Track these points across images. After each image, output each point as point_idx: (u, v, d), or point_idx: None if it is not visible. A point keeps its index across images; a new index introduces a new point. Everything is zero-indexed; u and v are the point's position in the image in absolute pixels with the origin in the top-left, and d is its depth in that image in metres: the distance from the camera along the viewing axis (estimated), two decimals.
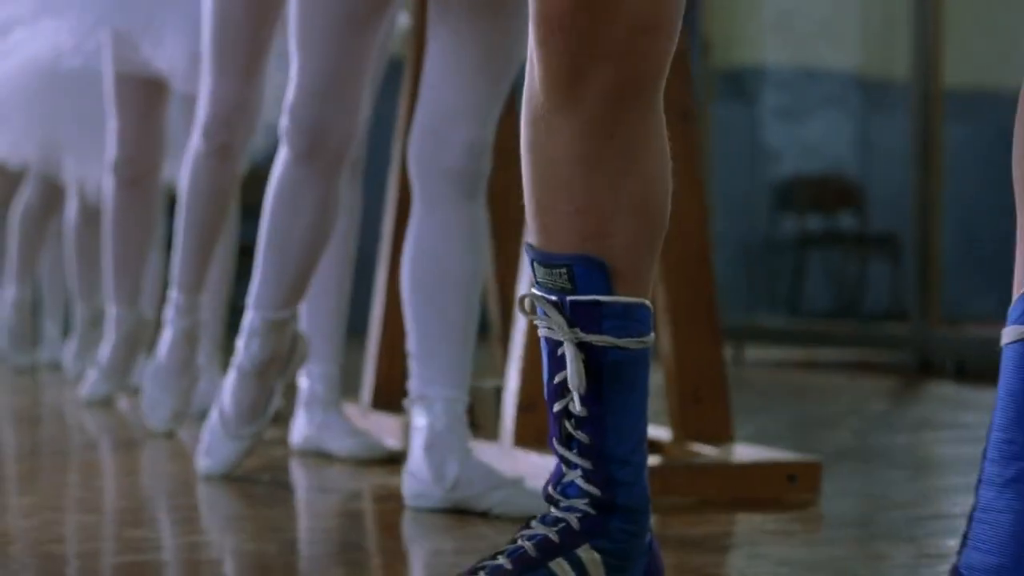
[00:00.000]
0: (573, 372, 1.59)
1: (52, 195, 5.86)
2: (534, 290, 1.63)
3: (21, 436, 3.80)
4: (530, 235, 1.65)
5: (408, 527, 2.38)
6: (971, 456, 3.40)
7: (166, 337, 3.56)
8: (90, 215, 5.26)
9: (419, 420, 2.51)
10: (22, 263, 5.94)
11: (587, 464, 1.62)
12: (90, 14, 3.81)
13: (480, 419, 2.98)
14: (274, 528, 2.38)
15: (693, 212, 2.84)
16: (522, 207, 1.76)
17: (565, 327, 1.60)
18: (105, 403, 4.33)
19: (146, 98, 4.02)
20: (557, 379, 1.62)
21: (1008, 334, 1.42)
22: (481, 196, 2.60)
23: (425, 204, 2.58)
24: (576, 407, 1.61)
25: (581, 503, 1.62)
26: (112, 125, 4.10)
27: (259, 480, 2.85)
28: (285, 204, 2.72)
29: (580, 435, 1.62)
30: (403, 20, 3.71)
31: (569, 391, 1.61)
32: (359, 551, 2.23)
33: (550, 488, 1.65)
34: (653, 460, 2.66)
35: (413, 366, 2.55)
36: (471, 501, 2.42)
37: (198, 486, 2.81)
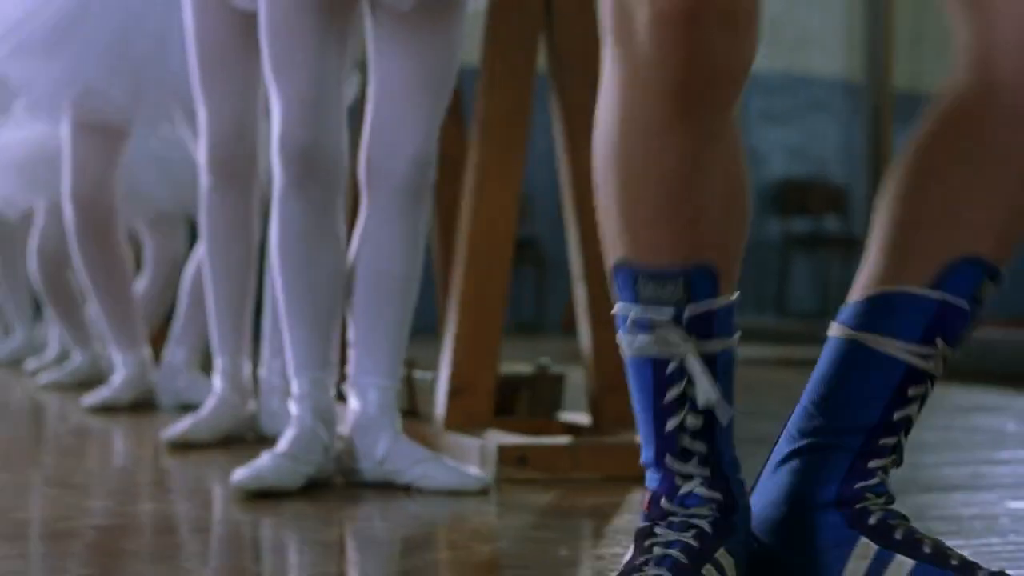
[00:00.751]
0: (705, 388, 1.58)
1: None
2: (635, 309, 1.59)
3: (6, 425, 4.10)
4: (631, 250, 1.59)
5: (341, 497, 2.66)
6: None
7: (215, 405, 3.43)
8: (49, 259, 5.25)
9: (354, 404, 2.80)
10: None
11: (707, 472, 1.62)
12: (66, 70, 3.93)
13: (421, 406, 3.27)
14: (227, 497, 2.65)
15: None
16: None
17: (685, 341, 1.58)
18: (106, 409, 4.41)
19: (104, 143, 4.18)
20: (668, 398, 1.60)
21: (832, 328, 1.67)
22: (426, 203, 2.83)
23: (374, 210, 2.79)
24: (691, 420, 1.60)
25: (706, 510, 1.61)
26: (66, 175, 4.21)
27: (215, 461, 3.14)
28: (298, 260, 2.76)
29: (698, 446, 1.61)
30: None
31: (681, 406, 1.59)
32: (300, 517, 2.51)
33: (663, 502, 1.62)
34: (566, 440, 2.94)
35: (352, 355, 2.82)
36: (395, 475, 2.71)
37: (158, 466, 3.11)
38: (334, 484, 2.73)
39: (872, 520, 1.63)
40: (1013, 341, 5.81)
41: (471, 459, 2.87)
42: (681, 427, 1.60)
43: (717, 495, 1.62)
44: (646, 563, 1.58)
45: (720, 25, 1.52)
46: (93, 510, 2.54)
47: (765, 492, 1.70)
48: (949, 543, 1.90)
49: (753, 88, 10.97)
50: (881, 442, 1.65)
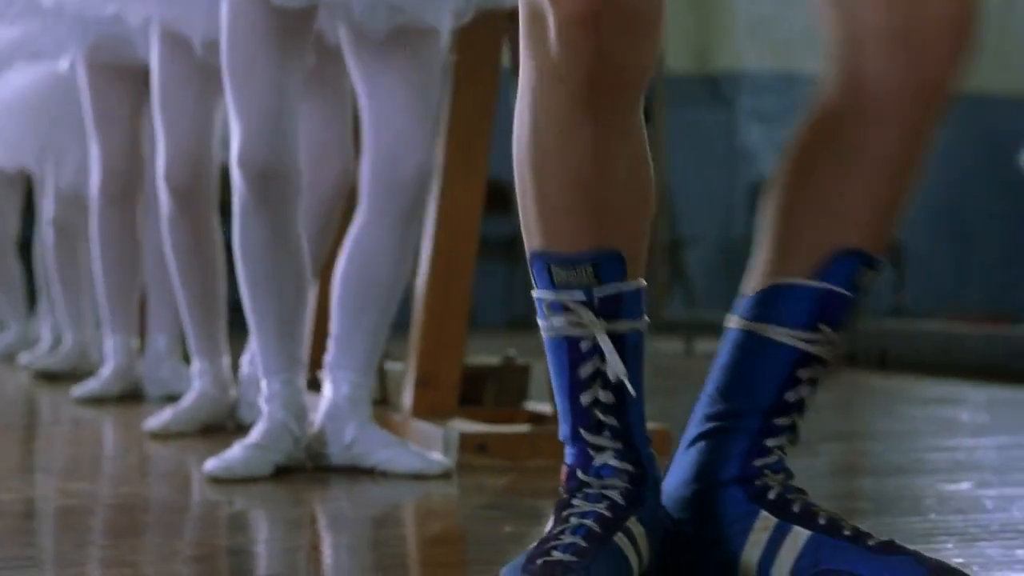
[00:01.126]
0: (614, 362, 1.72)
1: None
2: (550, 293, 1.73)
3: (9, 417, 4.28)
4: (545, 240, 1.74)
5: (310, 480, 2.82)
6: (824, 432, 3.84)
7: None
8: (65, 231, 5.42)
9: (327, 392, 2.96)
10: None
11: (619, 445, 1.75)
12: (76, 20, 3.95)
13: (390, 395, 3.44)
14: (203, 481, 2.81)
15: None
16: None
17: (595, 320, 1.72)
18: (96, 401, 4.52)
19: (125, 94, 4.22)
20: (582, 374, 1.73)
21: (730, 320, 1.81)
22: (422, 213, 2.99)
23: (372, 217, 2.93)
24: (603, 395, 1.74)
25: (618, 481, 1.75)
26: (94, 141, 4.31)
27: (195, 448, 3.31)
28: (261, 270, 2.90)
29: (610, 420, 1.75)
30: None
31: (594, 382, 1.73)
32: (271, 498, 2.67)
33: (579, 474, 1.76)
34: (524, 429, 3.11)
35: (332, 346, 2.97)
36: (362, 458, 2.87)
37: (142, 453, 3.27)
38: (303, 469, 2.88)
39: (772, 495, 1.76)
40: (979, 336, 5.98)
41: (435, 446, 3.03)
42: (595, 402, 1.74)
43: (628, 466, 1.75)
44: (562, 532, 1.70)
45: (622, 28, 1.68)
46: (77, 492, 2.71)
47: (677, 471, 1.84)
48: (871, 521, 2.06)
49: (743, 87, 11.15)
50: (776, 422, 1.79)
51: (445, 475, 2.83)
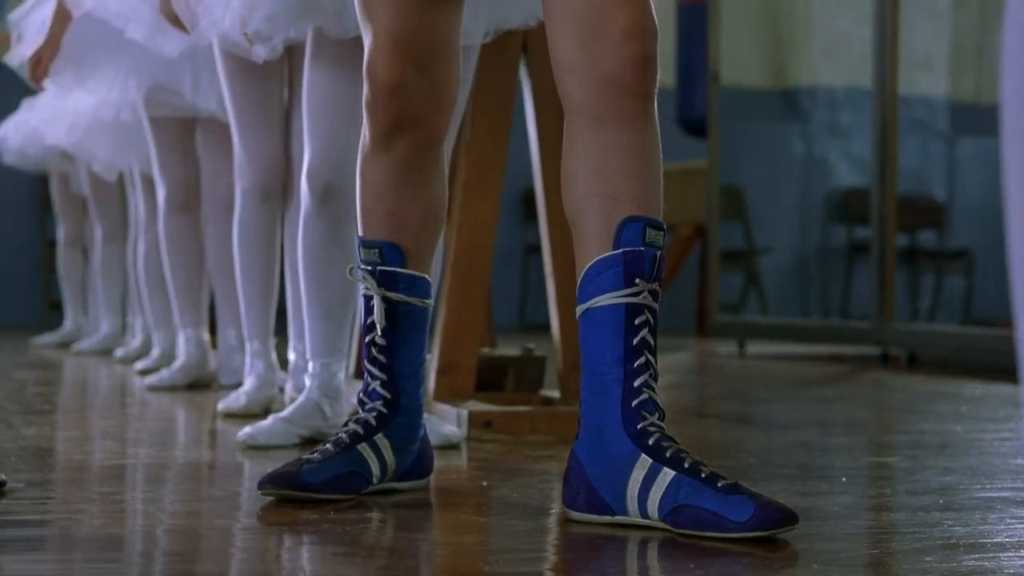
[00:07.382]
0: (379, 315, 2.49)
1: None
2: (359, 264, 2.53)
3: (80, 398, 4.82)
4: (359, 228, 2.56)
5: None
6: (815, 419, 4.25)
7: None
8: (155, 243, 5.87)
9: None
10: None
11: (383, 376, 2.53)
12: (133, 74, 4.75)
13: None
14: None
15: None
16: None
17: (376, 286, 2.50)
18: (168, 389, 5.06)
19: (180, 133, 4.97)
20: (368, 320, 2.52)
21: (577, 311, 2.27)
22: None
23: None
24: (378, 338, 2.51)
25: (378, 404, 2.53)
26: (155, 166, 5.03)
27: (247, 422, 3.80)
28: (317, 265, 3.38)
29: (380, 357, 2.52)
30: None
31: (375, 327, 2.50)
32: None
33: (360, 393, 2.55)
34: (526, 409, 3.57)
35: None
36: None
37: (205, 428, 3.77)
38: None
39: (650, 441, 2.20)
40: (983, 338, 6.32)
41: (452, 423, 3.50)
42: (371, 342, 2.53)
43: (387, 394, 2.53)
44: (327, 441, 2.52)
45: (422, 98, 2.49)
46: (137, 455, 3.22)
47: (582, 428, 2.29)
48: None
49: (819, 102, 11.50)
50: (635, 364, 2.22)
51: (453, 446, 3.30)
